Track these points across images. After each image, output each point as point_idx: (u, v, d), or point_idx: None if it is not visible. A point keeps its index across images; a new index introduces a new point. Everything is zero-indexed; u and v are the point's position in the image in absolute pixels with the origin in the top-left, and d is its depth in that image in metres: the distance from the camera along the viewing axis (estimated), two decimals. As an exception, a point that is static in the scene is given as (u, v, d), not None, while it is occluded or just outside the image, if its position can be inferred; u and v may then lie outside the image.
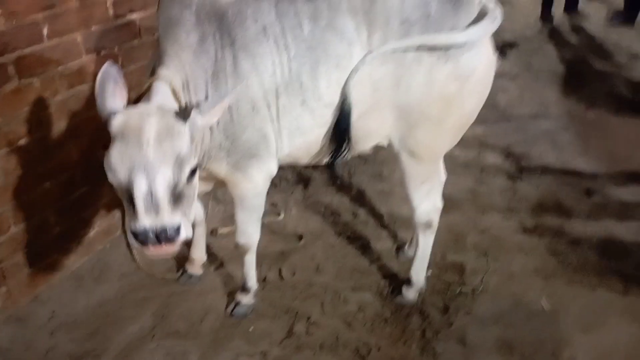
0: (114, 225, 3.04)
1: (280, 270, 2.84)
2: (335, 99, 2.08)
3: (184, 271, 2.77)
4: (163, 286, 2.74)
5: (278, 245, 3.03)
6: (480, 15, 2.05)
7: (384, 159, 3.66)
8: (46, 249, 2.67)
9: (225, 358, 2.37)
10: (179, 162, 1.64)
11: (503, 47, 6.01)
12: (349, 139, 2.14)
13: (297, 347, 2.41)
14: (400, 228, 3.13)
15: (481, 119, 4.32)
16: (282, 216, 3.25)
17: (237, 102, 2.00)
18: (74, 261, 2.83)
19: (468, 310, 2.59)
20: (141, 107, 1.73)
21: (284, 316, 2.57)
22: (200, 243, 2.72)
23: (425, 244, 2.55)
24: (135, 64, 2.87)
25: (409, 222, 2.79)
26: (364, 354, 2.38)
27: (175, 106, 1.82)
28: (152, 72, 1.98)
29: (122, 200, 1.71)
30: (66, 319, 2.56)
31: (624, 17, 6.51)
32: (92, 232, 2.90)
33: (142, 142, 1.60)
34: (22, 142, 2.43)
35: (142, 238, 1.58)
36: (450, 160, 3.80)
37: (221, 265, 2.88)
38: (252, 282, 2.57)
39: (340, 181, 3.58)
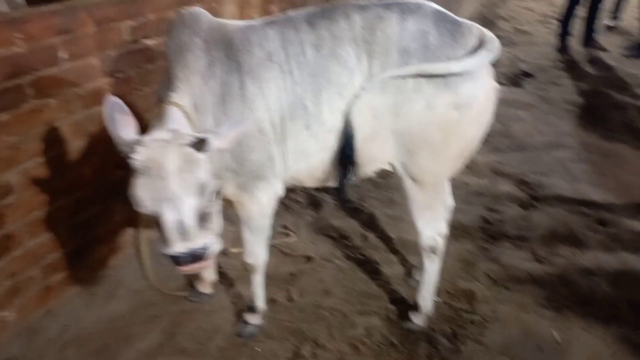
0: (127, 242, 3.08)
1: (288, 292, 2.84)
2: (337, 125, 2.13)
3: (195, 289, 2.79)
4: (173, 304, 2.76)
5: (287, 267, 3.04)
6: (479, 45, 2.09)
7: (395, 184, 3.66)
8: (59, 264, 2.71)
9: (230, 378, 2.37)
10: (202, 189, 1.71)
11: (519, 77, 6.04)
12: (355, 164, 2.17)
13: (302, 370, 2.41)
14: (410, 253, 3.13)
15: (495, 147, 4.42)
16: (292, 238, 3.26)
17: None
18: (87, 277, 2.87)
19: (477, 339, 2.57)
20: (158, 136, 1.76)
21: (290, 338, 2.57)
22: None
23: (431, 270, 2.54)
24: (149, 87, 2.96)
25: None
26: (370, 379, 2.37)
27: (189, 130, 1.89)
28: (160, 97, 2.04)
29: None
30: (77, 333, 2.59)
31: (642, 49, 6.55)
32: (105, 249, 2.95)
33: (164, 176, 1.66)
34: (38, 159, 2.50)
35: (175, 261, 1.69)
36: (462, 188, 3.83)
37: (231, 285, 2.90)
38: (260, 302, 2.59)
39: (351, 205, 3.60)
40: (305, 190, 3.73)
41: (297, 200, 3.63)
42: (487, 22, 8.46)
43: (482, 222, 3.44)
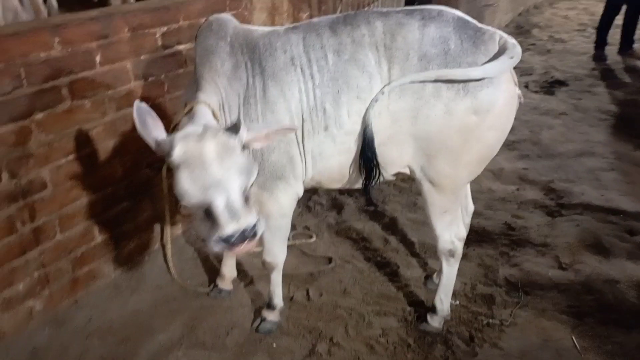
0: (153, 239, 3.19)
1: (307, 291, 2.88)
2: (355, 128, 2.18)
3: (215, 286, 2.86)
4: (194, 299, 2.84)
5: (308, 267, 3.08)
6: (500, 52, 2.10)
7: (418, 188, 3.68)
8: (88, 257, 2.83)
9: (247, 372, 2.42)
10: (242, 171, 1.78)
11: (552, 85, 5.96)
12: (377, 165, 2.20)
13: (317, 367, 2.44)
14: (430, 257, 3.13)
15: (523, 154, 4.38)
16: (314, 239, 3.31)
17: None
18: (113, 271, 2.98)
19: (494, 343, 2.55)
20: (191, 130, 1.82)
21: (307, 335, 2.61)
22: (230, 259, 2.82)
23: (449, 272, 2.55)
24: (180, 90, 3.07)
25: (439, 251, 2.79)
26: (384, 378, 2.38)
27: (217, 126, 1.96)
28: (186, 100, 2.13)
29: (194, 216, 1.82)
30: (101, 324, 2.69)
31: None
32: (132, 245, 3.05)
33: (206, 164, 1.73)
34: (71, 157, 2.63)
35: (229, 242, 1.74)
36: (487, 194, 3.81)
37: (251, 282, 2.96)
38: (278, 299, 2.64)
39: (374, 208, 3.62)
40: (328, 193, 3.77)
41: (320, 203, 3.68)
42: (522, 30, 8.39)
43: (505, 228, 3.41)
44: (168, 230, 2.76)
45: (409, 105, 2.14)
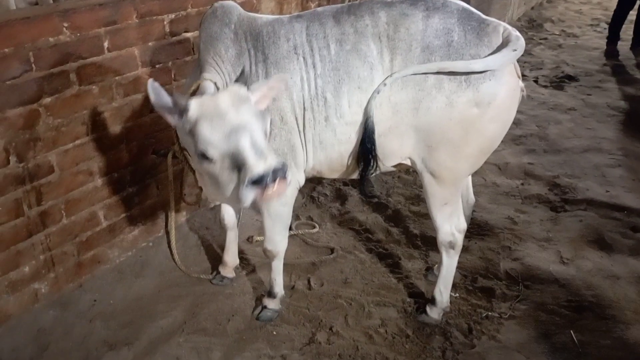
0: (158, 225, 3.22)
1: (309, 280, 2.91)
2: (356, 119, 2.19)
3: (218, 273, 2.90)
4: (196, 285, 2.87)
5: (310, 256, 3.11)
6: (504, 44, 2.10)
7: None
8: (93, 241, 2.87)
9: (247, 358, 2.45)
10: (259, 115, 1.82)
11: (562, 80, 5.92)
12: (375, 157, 2.21)
13: (316, 354, 2.46)
14: (431, 250, 3.14)
15: (529, 149, 4.37)
16: (317, 229, 3.33)
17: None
18: (118, 255, 3.02)
19: (492, 335, 2.56)
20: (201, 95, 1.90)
21: (307, 324, 2.64)
22: (232, 247, 2.86)
23: (448, 264, 2.56)
24: (186, 77, 3.07)
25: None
26: (381, 367, 2.41)
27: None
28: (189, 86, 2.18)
29: (220, 177, 1.85)
30: (105, 308, 2.73)
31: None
32: (137, 230, 3.09)
33: (224, 112, 1.77)
34: (78, 142, 2.67)
35: (262, 182, 1.71)
36: (491, 188, 3.81)
37: (253, 270, 2.99)
38: (279, 288, 2.67)
39: (377, 200, 3.64)
40: (332, 183, 3.79)
41: (324, 194, 3.70)
42: (534, 24, 8.31)
43: (509, 222, 3.41)
44: (173, 216, 2.80)
45: (410, 97, 2.15)
